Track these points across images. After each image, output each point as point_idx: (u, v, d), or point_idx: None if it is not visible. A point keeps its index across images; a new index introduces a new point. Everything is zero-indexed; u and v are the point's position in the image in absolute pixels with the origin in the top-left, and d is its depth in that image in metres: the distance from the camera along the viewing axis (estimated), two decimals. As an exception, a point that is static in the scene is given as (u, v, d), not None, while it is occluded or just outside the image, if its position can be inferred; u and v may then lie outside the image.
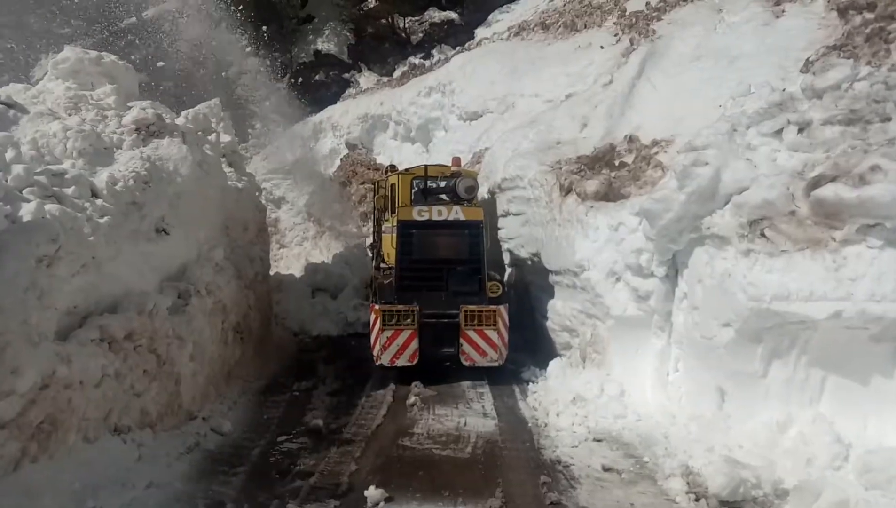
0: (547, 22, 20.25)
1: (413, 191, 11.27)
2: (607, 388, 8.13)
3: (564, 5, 23.64)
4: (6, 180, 5.86)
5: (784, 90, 7.50)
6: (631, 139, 10.65)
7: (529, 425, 7.85)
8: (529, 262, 11.06)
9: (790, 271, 6.09)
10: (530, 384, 9.39)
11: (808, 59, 8.92)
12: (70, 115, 8.20)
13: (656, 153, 9.84)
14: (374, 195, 14.22)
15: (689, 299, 7.32)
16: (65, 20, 26.57)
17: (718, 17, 12.75)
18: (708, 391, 6.95)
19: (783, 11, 11.41)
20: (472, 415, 8.15)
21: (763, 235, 6.50)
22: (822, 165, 6.40)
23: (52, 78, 9.21)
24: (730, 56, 10.82)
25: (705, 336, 6.91)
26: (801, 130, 6.78)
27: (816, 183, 6.28)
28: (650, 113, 11.01)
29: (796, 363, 6.16)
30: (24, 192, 5.93)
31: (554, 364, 9.56)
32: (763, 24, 11.42)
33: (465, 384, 9.50)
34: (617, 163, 10.41)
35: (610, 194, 9.36)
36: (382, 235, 12.40)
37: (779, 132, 6.94)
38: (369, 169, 19.60)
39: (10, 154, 6.29)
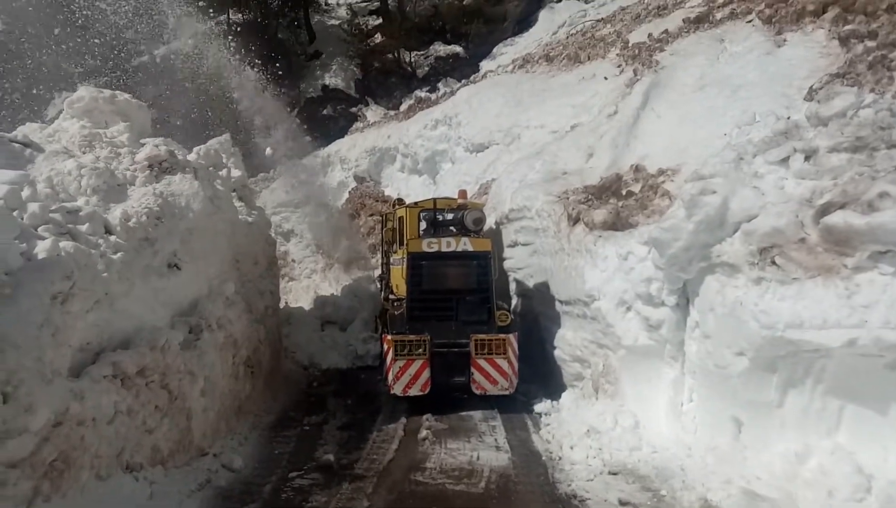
0: (551, 54, 20.57)
1: (421, 224, 11.46)
2: (621, 419, 8.05)
3: (568, 38, 24.09)
4: (22, 218, 5.94)
5: (789, 118, 7.58)
6: (637, 169, 10.72)
7: (543, 458, 7.76)
8: (538, 292, 11.05)
9: (802, 298, 6.05)
10: (543, 416, 9.34)
11: (811, 88, 9.00)
12: (84, 153, 8.31)
13: (663, 182, 9.89)
14: (383, 228, 14.39)
15: (702, 328, 7.28)
16: (79, 60, 27.15)
17: (720, 47, 12.91)
18: (723, 421, 6.88)
19: (784, 41, 11.55)
20: (484, 449, 8.07)
21: (774, 262, 6.49)
22: (830, 192, 6.41)
23: (67, 117, 9.38)
24: (733, 85, 10.92)
25: (719, 365, 6.85)
26: (807, 158, 6.81)
27: (825, 210, 6.29)
28: (655, 142, 11.09)
29: (812, 392, 6.08)
30: (39, 229, 6.01)
31: (566, 396, 9.50)
32: (765, 54, 11.55)
33: (477, 416, 9.44)
34: (624, 192, 10.46)
35: (618, 224, 9.39)
36: (391, 267, 12.59)
37: (785, 160, 6.98)
38: (377, 201, 19.76)
39: (26, 192, 6.37)
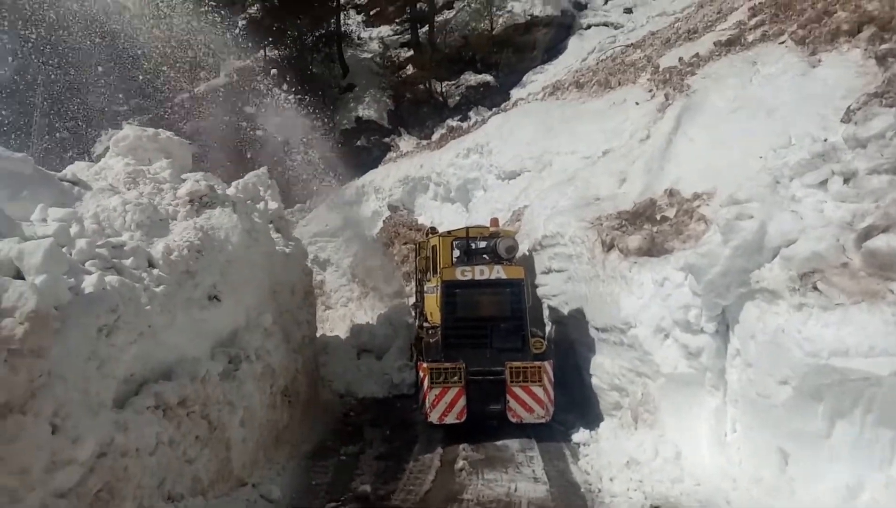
0: (581, 81, 20.65)
1: (454, 252, 11.56)
2: (662, 450, 7.85)
3: (597, 64, 24.18)
4: (71, 254, 6.17)
5: (826, 140, 7.43)
6: (671, 193, 10.63)
7: (582, 490, 7.62)
8: (574, 319, 10.95)
9: (847, 325, 5.87)
10: (581, 445, 9.19)
11: (848, 108, 8.82)
12: (129, 189, 8.63)
13: (698, 206, 9.77)
14: (416, 257, 14.51)
15: (743, 356, 7.12)
16: (123, 98, 28.31)
17: (753, 69, 12.81)
18: (769, 452, 6.66)
19: (819, 61, 11.40)
20: (522, 480, 7.96)
21: (815, 288, 6.32)
22: (871, 215, 6.25)
23: (112, 155, 9.76)
24: (767, 107, 10.81)
25: (762, 394, 6.67)
26: (846, 181, 6.67)
27: (868, 234, 6.14)
28: (689, 166, 11.01)
29: (862, 423, 5.85)
30: (86, 264, 6.23)
31: (605, 425, 9.34)
32: (800, 75, 11.42)
33: (514, 446, 9.34)
34: (658, 217, 10.37)
35: (653, 249, 9.29)
36: (425, 295, 12.67)
37: (823, 183, 6.84)
38: (411, 230, 19.92)
39: (74, 229, 6.64)
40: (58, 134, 26.94)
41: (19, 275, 5.09)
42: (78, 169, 9.08)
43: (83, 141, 26.80)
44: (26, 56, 25.10)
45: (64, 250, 5.96)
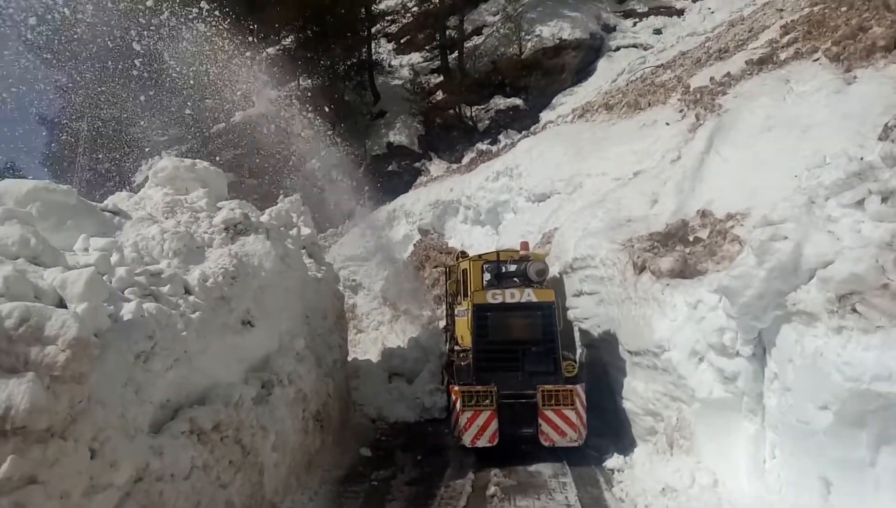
0: (610, 102, 20.62)
1: (484, 275, 11.59)
2: (699, 477, 7.68)
3: (627, 85, 24.14)
4: (111, 282, 6.38)
5: (862, 159, 7.27)
6: (704, 214, 10.50)
7: (616, 518, 7.46)
8: (606, 342, 10.81)
9: (889, 348, 5.70)
10: (615, 472, 9.03)
11: (886, 125, 8.65)
12: (167, 218, 8.91)
13: (732, 227, 9.64)
14: (447, 281, 14.57)
15: (781, 380, 6.94)
16: (163, 129, 29.27)
17: (786, 87, 12.66)
18: (810, 480, 6.46)
19: (855, 78, 11.22)
20: (555, 507, 7.83)
21: (855, 310, 6.16)
22: (912, 234, 6.09)
23: (152, 185, 10.11)
24: (802, 126, 10.65)
25: (802, 420, 6.49)
26: (884, 200, 6.50)
27: (909, 254, 5.97)
28: (722, 187, 10.88)
29: (908, 450, 5.65)
30: (125, 292, 6.43)
31: (639, 451, 9.16)
32: (835, 92, 11.24)
33: (547, 472, 9.21)
34: (691, 238, 10.24)
35: (686, 271, 9.16)
36: (456, 318, 12.71)
37: (860, 202, 6.68)
38: (441, 253, 20.00)
39: (114, 258, 6.86)
40: (101, 166, 27.93)
41: (62, 303, 5.28)
42: (119, 199, 9.41)
43: (124, 171, 27.73)
44: (73, 90, 26.20)
45: (104, 278, 6.16)
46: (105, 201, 8.89)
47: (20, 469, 4.18)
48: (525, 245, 11.91)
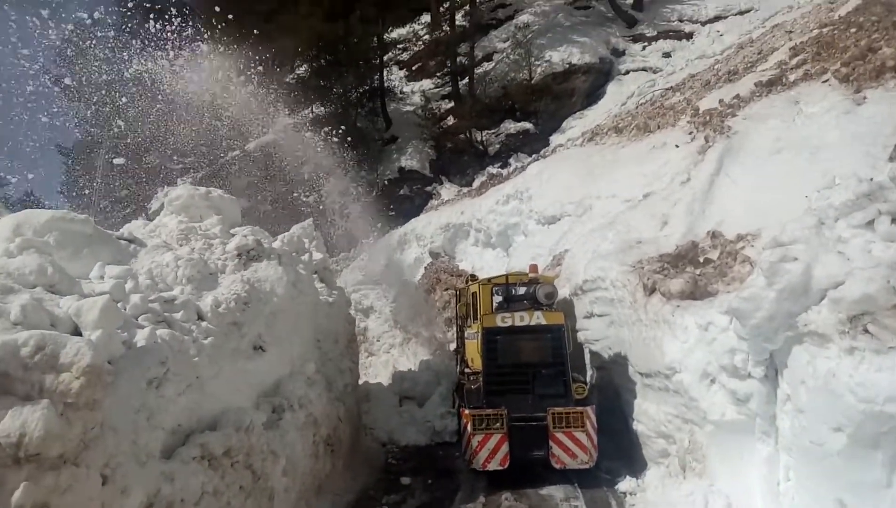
0: (620, 125, 20.74)
1: (494, 298, 11.64)
2: (712, 501, 7.58)
3: (637, 108, 24.27)
4: (125, 309, 6.49)
5: (872, 179, 7.26)
6: (714, 235, 10.49)
7: (629, 543, 7.36)
8: (617, 364, 10.76)
9: (902, 369, 5.64)
10: (627, 495, 8.96)
11: None
12: (181, 245, 9.06)
13: (742, 248, 9.62)
14: (456, 303, 14.62)
15: (793, 402, 6.85)
16: (179, 158, 29.79)
17: (796, 108, 12.69)
18: (825, 503, 6.33)
19: (864, 98, 11.23)
20: (566, 532, 7.76)
21: (867, 331, 6.10)
22: (923, 254, 6.06)
23: (167, 213, 10.30)
24: (811, 147, 10.67)
25: (816, 442, 6.39)
26: (894, 220, 6.48)
27: (919, 274, 5.93)
28: (732, 208, 10.87)
29: (925, 473, 5.56)
30: (139, 318, 6.54)
31: (651, 473, 9.07)
32: (844, 113, 11.25)
33: (559, 495, 9.15)
34: (701, 260, 10.22)
35: (696, 293, 9.13)
36: (466, 341, 12.75)
37: (870, 223, 6.65)
38: (452, 276, 20.06)
39: (129, 285, 6.98)
40: (116, 194, 28.40)
41: (77, 330, 5.39)
42: (134, 227, 9.59)
43: (140, 198, 28.17)
44: (90, 121, 26.81)
45: (119, 305, 6.27)
46: (121, 230, 9.07)
47: (33, 496, 4.25)
48: (534, 268, 11.95)
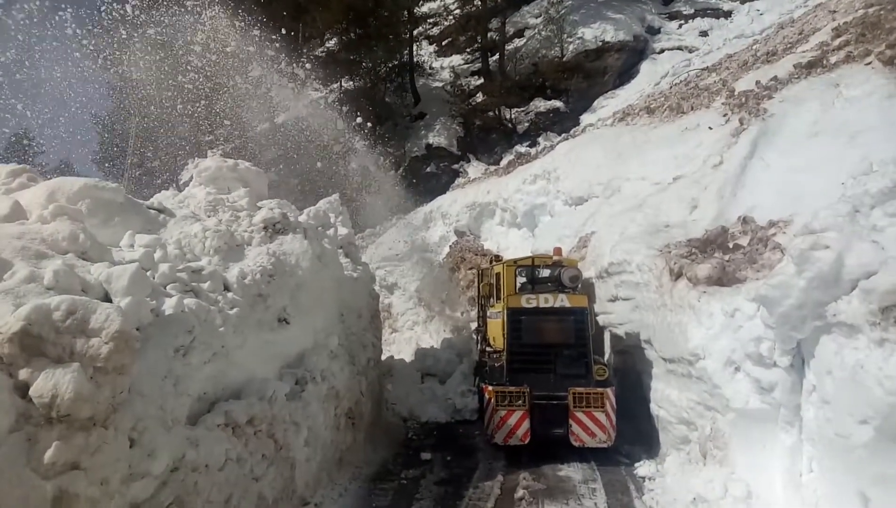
0: (652, 106, 20.33)
1: (518, 279, 11.69)
2: (731, 488, 7.52)
3: (671, 88, 23.76)
4: (154, 278, 6.61)
5: (911, 167, 7.04)
6: (745, 220, 10.28)
7: (645, 526, 7.37)
8: (640, 348, 10.68)
9: (934, 363, 5.50)
10: (646, 479, 8.94)
11: (939, 132, 8.34)
12: (209, 216, 9.16)
13: (774, 235, 9.41)
14: (479, 283, 14.67)
15: (819, 393, 6.75)
16: (208, 129, 30.02)
17: (835, 91, 12.29)
18: (848, 495, 6.25)
19: (908, 82, 10.82)
20: (582, 513, 7.79)
21: (899, 323, 5.96)
22: (962, 246, 5.87)
23: (195, 184, 10.41)
24: (850, 132, 10.34)
25: (840, 434, 6.30)
26: (934, 209, 6.28)
27: (957, 266, 5.75)
28: (765, 193, 10.63)
29: (952, 469, 5.44)
30: (167, 287, 6.65)
31: (671, 459, 9.04)
32: (887, 97, 10.88)
33: (577, 477, 9.17)
34: (731, 245, 10.03)
35: (723, 279, 8.98)
36: (488, 320, 12.85)
37: (908, 212, 6.47)
38: (477, 255, 20.04)
39: (158, 254, 7.10)
40: (149, 164, 28.82)
41: (107, 297, 5.51)
42: (164, 197, 9.71)
43: (172, 169, 28.56)
44: (124, 91, 27.11)
45: (148, 273, 6.39)
46: (151, 200, 9.20)
47: (64, 455, 4.38)
48: (558, 250, 12.08)
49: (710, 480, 7.83)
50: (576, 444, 9.88)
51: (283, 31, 21.45)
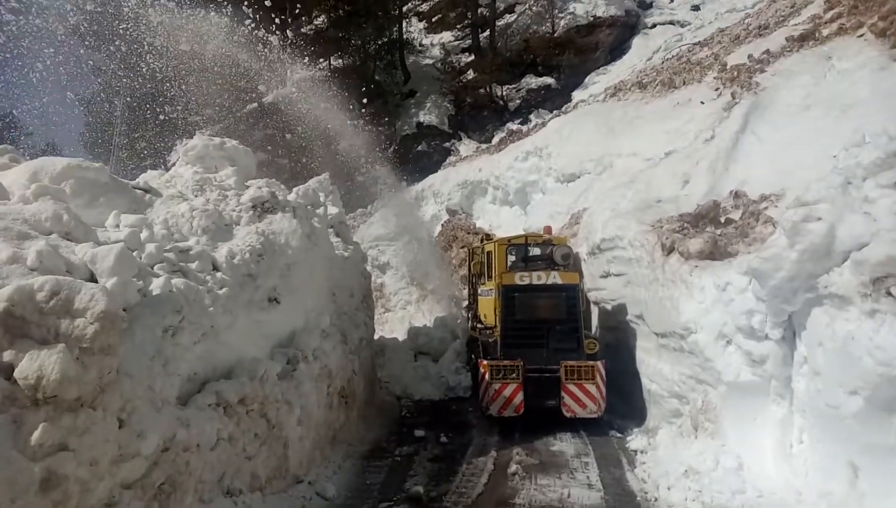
0: (644, 81, 20.19)
1: (509, 257, 11.76)
2: (723, 460, 7.58)
3: (662, 63, 23.59)
4: (140, 258, 6.52)
5: (903, 138, 6.99)
6: (737, 194, 10.29)
7: (638, 498, 7.44)
8: (633, 324, 10.72)
9: (924, 333, 5.52)
10: (638, 453, 9.01)
11: (931, 103, 8.30)
12: (196, 196, 9.03)
13: (765, 208, 9.42)
14: (469, 262, 14.70)
15: (810, 364, 6.79)
16: (196, 110, 29.61)
17: (828, 64, 12.24)
18: (838, 465, 6.32)
19: (901, 54, 10.76)
20: (576, 486, 7.83)
21: (889, 293, 5.97)
22: (953, 216, 5.86)
23: (182, 163, 10.25)
24: (842, 105, 10.30)
25: (831, 405, 6.34)
26: (925, 180, 6.26)
27: (948, 236, 5.74)
28: (757, 167, 10.62)
29: (941, 437, 5.49)
30: (154, 267, 6.56)
31: (663, 433, 9.10)
32: (879, 69, 10.83)
33: (569, 452, 9.22)
34: (723, 219, 10.05)
35: (715, 253, 9.00)
36: (479, 298, 12.95)
37: (900, 183, 6.44)
38: (469, 233, 19.99)
39: (144, 234, 7.00)
40: (137, 145, 28.47)
41: (93, 278, 5.43)
42: (150, 177, 9.57)
43: (160, 150, 28.21)
44: (111, 72, 26.68)
45: (134, 254, 6.29)
46: (137, 179, 9.06)
47: (52, 437, 4.33)
48: (549, 229, 12.37)
49: (701, 452, 7.89)
50: (567, 415, 10.13)
51: (270, 8, 21.01)
